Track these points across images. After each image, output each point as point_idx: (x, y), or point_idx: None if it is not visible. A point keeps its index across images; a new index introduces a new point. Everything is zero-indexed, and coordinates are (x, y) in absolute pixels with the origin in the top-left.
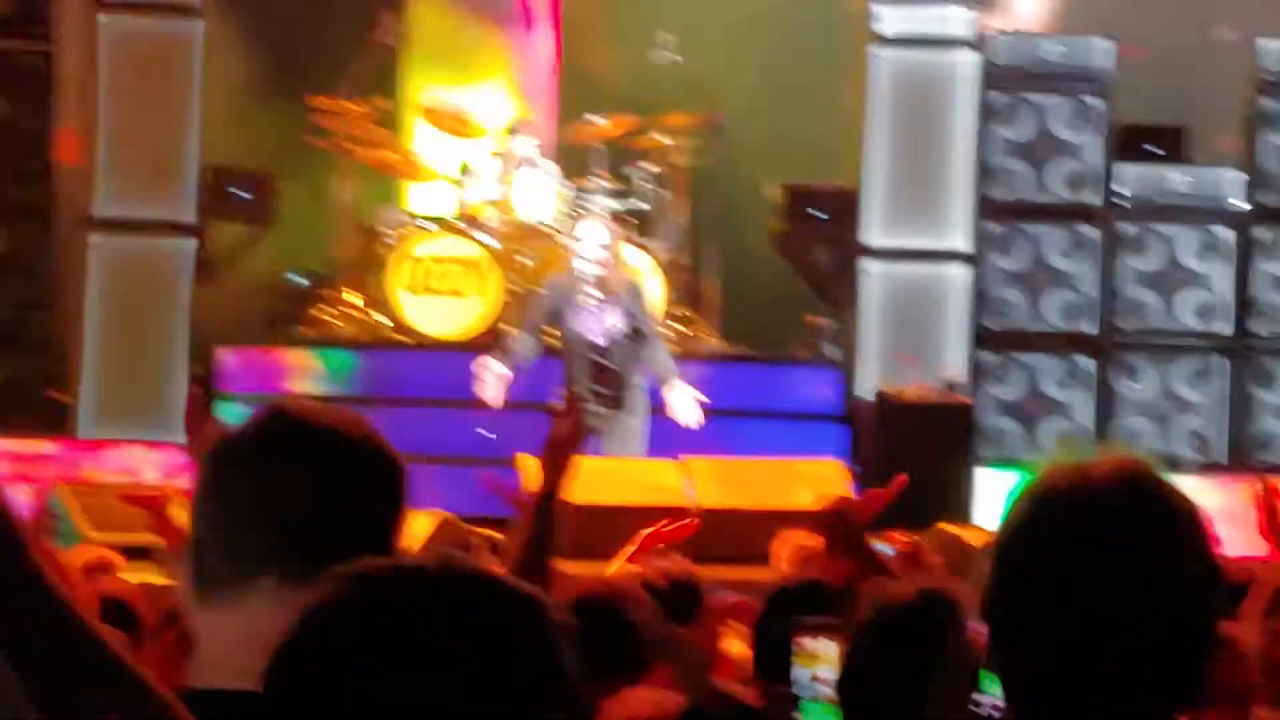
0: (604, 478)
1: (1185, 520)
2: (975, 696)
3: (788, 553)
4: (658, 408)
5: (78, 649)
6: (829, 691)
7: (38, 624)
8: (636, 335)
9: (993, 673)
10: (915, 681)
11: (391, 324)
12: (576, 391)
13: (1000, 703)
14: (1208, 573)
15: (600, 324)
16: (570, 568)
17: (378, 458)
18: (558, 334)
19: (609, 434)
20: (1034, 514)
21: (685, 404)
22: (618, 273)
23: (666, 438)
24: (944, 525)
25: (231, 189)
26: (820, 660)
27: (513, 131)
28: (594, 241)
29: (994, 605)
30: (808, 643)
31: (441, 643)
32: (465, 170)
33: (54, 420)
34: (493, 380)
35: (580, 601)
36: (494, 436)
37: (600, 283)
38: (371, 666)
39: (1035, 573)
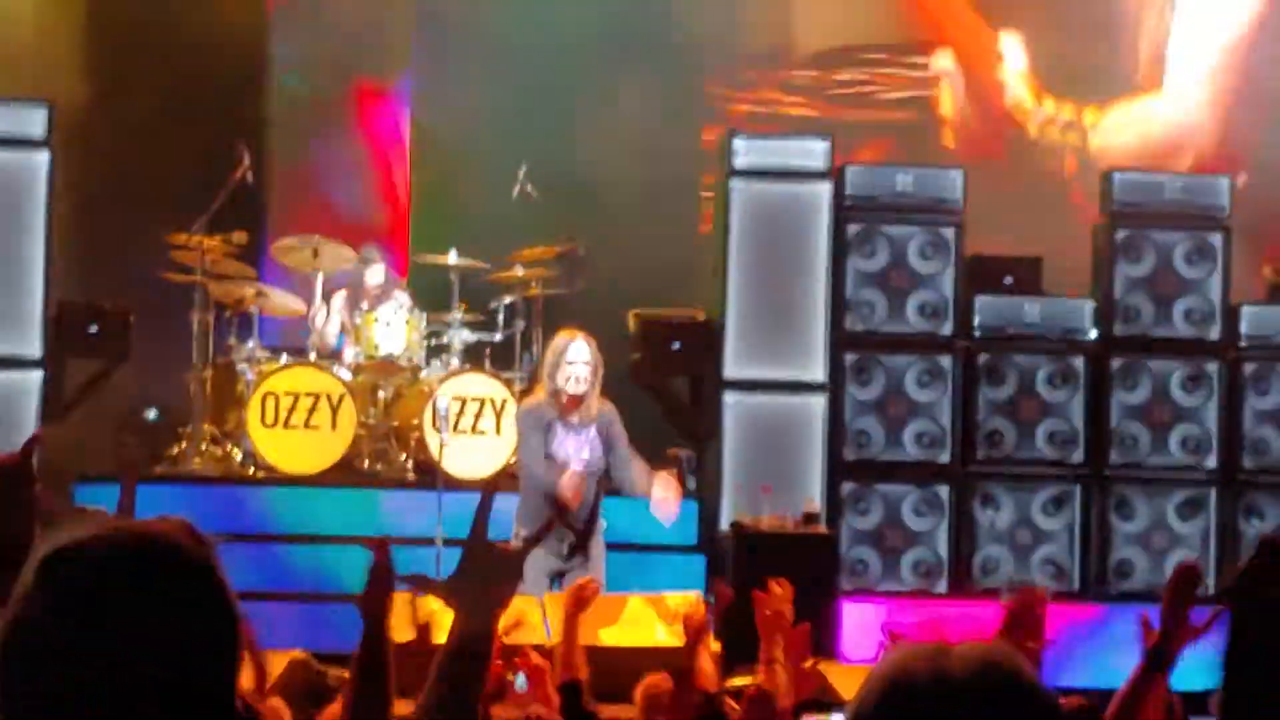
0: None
1: (1044, 712)
2: None
3: (639, 696)
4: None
5: None
6: None
7: None
8: (614, 455)
9: None
10: None
11: (242, 458)
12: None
13: None
14: None
15: (581, 448)
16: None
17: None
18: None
19: (578, 570)
20: (890, 698)
21: (669, 503)
22: (597, 397)
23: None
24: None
25: (83, 325)
26: None
27: (364, 262)
28: (580, 361)
29: None
30: None
31: None
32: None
33: None
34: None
35: None
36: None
37: (582, 406)
38: None
39: None
